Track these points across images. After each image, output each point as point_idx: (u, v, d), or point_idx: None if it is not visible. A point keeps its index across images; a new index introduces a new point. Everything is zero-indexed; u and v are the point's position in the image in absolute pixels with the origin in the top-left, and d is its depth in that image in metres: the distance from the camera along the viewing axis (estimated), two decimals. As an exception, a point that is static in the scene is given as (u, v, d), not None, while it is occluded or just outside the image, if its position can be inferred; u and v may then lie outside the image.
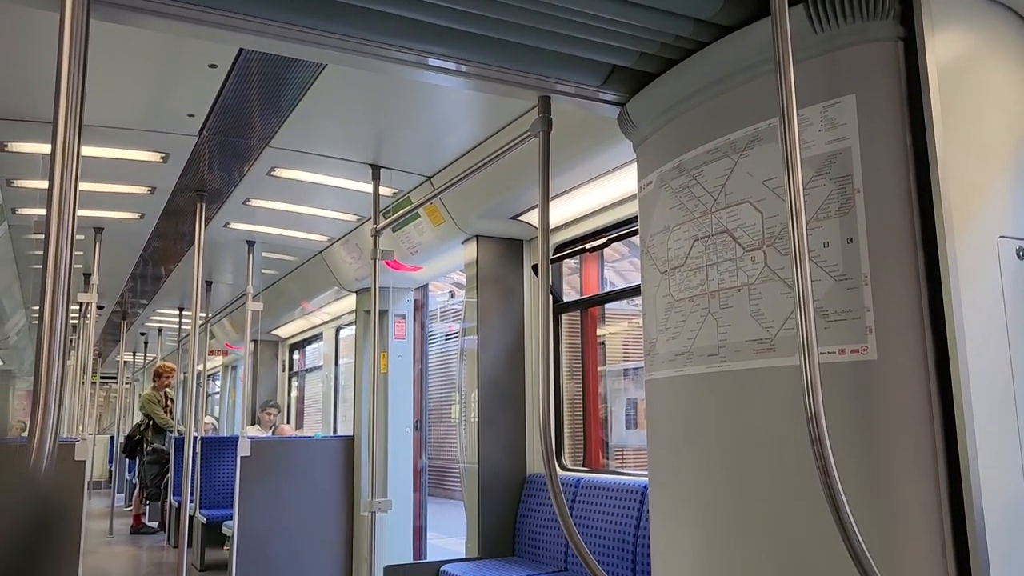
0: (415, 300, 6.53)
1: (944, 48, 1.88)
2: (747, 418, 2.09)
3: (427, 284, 6.37)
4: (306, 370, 10.12)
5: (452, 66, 2.42)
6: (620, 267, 6.49)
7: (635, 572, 3.72)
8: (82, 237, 5.71)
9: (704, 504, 2.22)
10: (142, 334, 11.71)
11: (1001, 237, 1.89)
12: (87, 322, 6.31)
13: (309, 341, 9.69)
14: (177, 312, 9.30)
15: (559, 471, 4.50)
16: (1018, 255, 1.91)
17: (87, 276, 6.08)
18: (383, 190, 4.58)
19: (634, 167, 2.69)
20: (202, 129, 3.87)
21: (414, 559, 6.04)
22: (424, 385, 6.51)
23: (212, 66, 3.19)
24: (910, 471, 1.77)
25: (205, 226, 5.08)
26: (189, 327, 6.44)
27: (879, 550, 1.66)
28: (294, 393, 10.45)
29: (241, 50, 3.05)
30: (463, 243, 5.03)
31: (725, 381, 2.14)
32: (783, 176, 1.79)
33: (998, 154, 1.97)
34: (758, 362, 2.04)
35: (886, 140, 1.88)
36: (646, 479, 2.70)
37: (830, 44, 1.98)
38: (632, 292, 4.48)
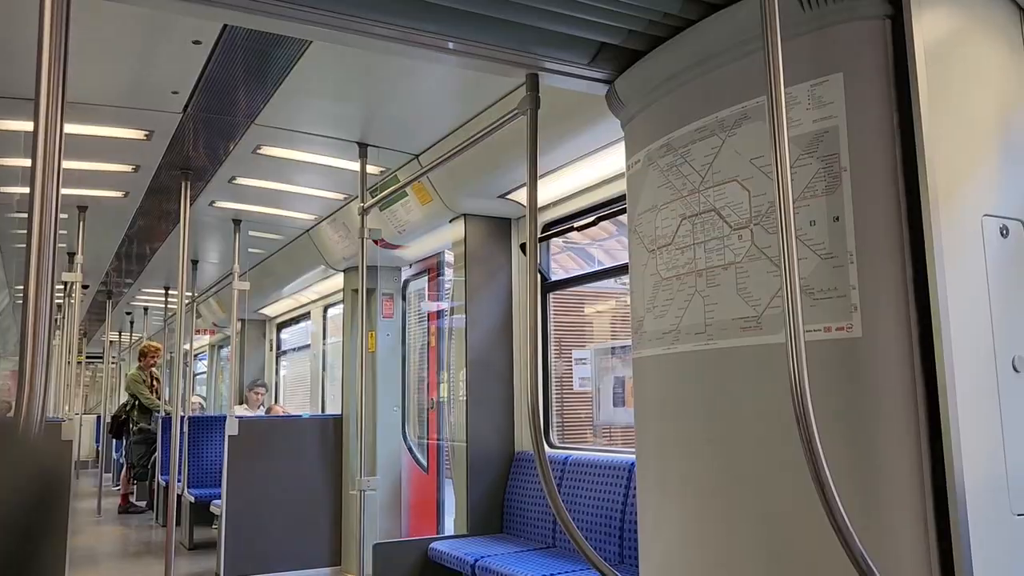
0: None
1: (931, 26, 1.88)
2: (734, 395, 2.11)
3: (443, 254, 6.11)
4: (294, 349, 10.11)
5: (439, 43, 2.40)
6: (608, 245, 6.50)
7: (622, 548, 3.76)
8: (66, 216, 5.65)
9: (691, 480, 2.24)
10: (127, 313, 11.64)
11: (985, 215, 1.91)
12: (72, 301, 6.27)
13: (297, 320, 9.67)
14: (163, 291, 9.25)
15: (547, 449, 4.53)
16: (1002, 233, 1.93)
17: (71, 255, 6.03)
18: (370, 168, 4.56)
19: (622, 145, 2.68)
20: (186, 106, 3.83)
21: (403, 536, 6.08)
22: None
23: (196, 42, 3.16)
24: (894, 447, 1.79)
25: (190, 204, 5.04)
26: (175, 306, 6.41)
27: (863, 525, 1.69)
28: (282, 372, 10.45)
29: (226, 26, 3.02)
30: (451, 222, 5.02)
31: (712, 359, 2.16)
32: (770, 155, 1.80)
33: (983, 133, 1.98)
34: (745, 340, 2.06)
35: (872, 119, 1.89)
36: (633, 456, 2.73)
37: (818, 22, 1.98)
38: (620, 271, 4.49)
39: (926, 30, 1.86)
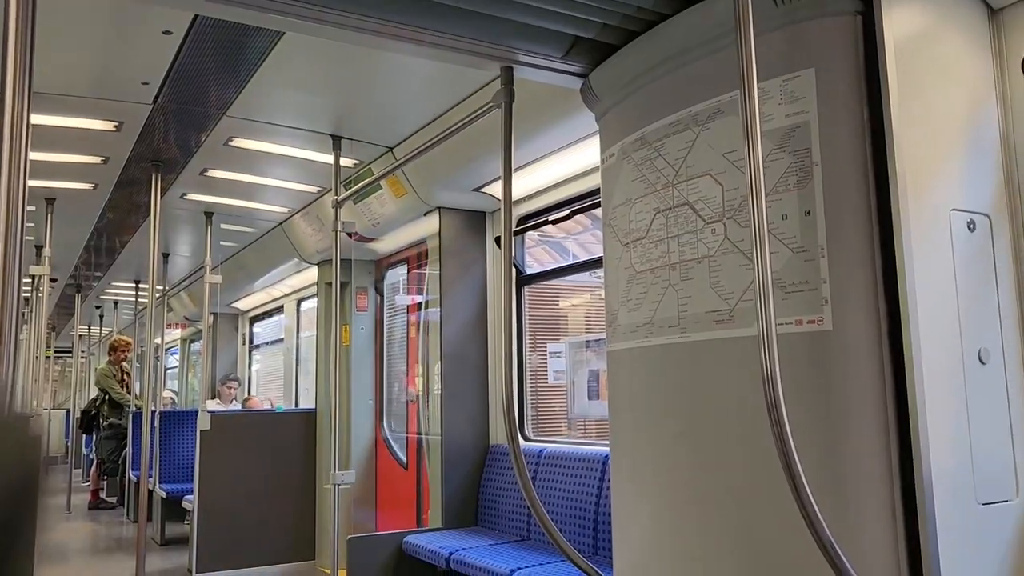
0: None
1: (900, 23, 1.90)
2: (707, 387, 2.13)
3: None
4: (267, 343, 10.03)
5: (413, 36, 2.38)
6: (583, 239, 6.51)
7: (596, 540, 3.78)
8: (33, 208, 5.56)
9: (664, 472, 2.26)
10: (97, 307, 11.48)
11: (953, 210, 1.94)
12: (40, 295, 6.17)
13: (270, 314, 9.60)
14: (133, 285, 9.13)
15: (521, 442, 4.54)
16: (969, 228, 1.96)
17: (39, 248, 5.94)
18: (344, 161, 4.53)
19: (597, 139, 2.69)
20: (156, 97, 3.78)
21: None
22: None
23: (167, 32, 3.11)
24: (863, 438, 1.82)
25: (161, 197, 4.97)
26: (146, 300, 6.33)
27: (833, 515, 1.71)
28: (255, 367, 10.36)
29: (196, 16, 2.98)
30: (425, 215, 5.00)
31: (685, 352, 2.17)
32: (743, 149, 1.81)
33: (951, 129, 2.01)
34: (717, 333, 2.07)
35: (843, 114, 1.91)
36: (607, 449, 2.75)
37: (790, 17, 1.99)
38: (594, 264, 4.50)
39: (896, 26, 1.88)
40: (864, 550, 1.77)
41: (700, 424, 2.14)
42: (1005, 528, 1.91)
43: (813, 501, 1.67)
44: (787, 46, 2.00)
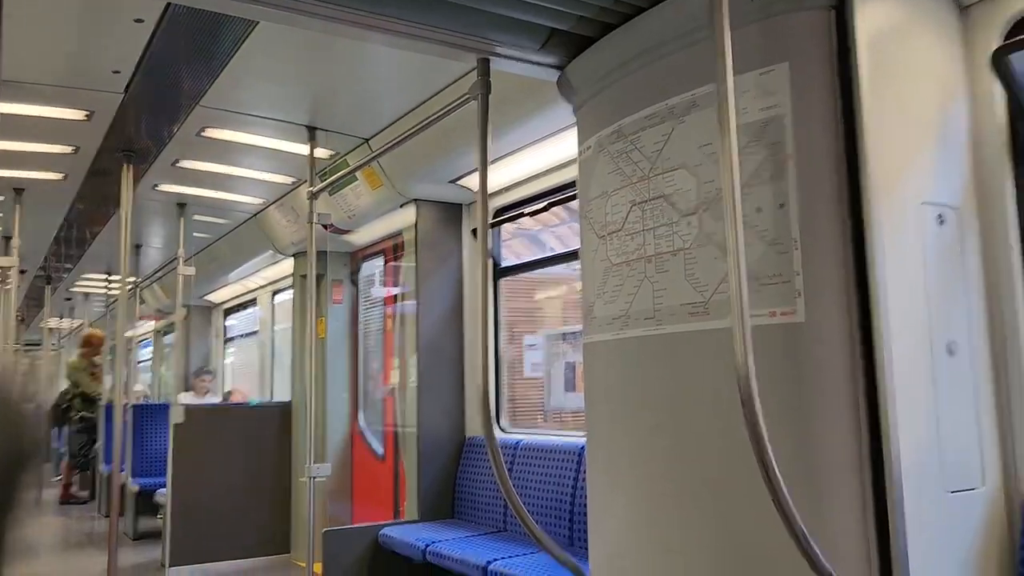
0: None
1: (873, 18, 1.92)
2: (682, 379, 2.15)
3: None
4: (241, 335, 9.95)
5: (389, 26, 2.37)
6: (560, 232, 6.53)
7: (572, 531, 3.80)
8: (2, 198, 5.48)
9: (640, 463, 2.28)
10: (67, 299, 11.31)
11: (923, 203, 1.97)
12: (8, 287, 6.07)
13: (244, 306, 9.52)
14: (105, 276, 9.01)
15: (498, 433, 4.55)
16: (939, 221, 1.99)
17: (7, 239, 5.84)
18: (319, 152, 4.50)
19: (574, 131, 2.69)
20: (128, 86, 3.72)
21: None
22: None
23: (138, 20, 3.07)
24: (834, 428, 1.84)
25: (133, 187, 4.91)
26: (117, 292, 6.26)
27: (805, 504, 1.73)
28: (229, 359, 10.28)
29: (168, 4, 2.94)
30: (402, 206, 4.98)
31: (661, 344, 2.19)
32: (718, 142, 1.82)
33: (922, 123, 2.03)
34: (692, 325, 2.09)
35: (817, 108, 1.93)
36: (583, 440, 2.76)
37: (765, 11, 2.01)
38: (571, 257, 4.51)
39: (868, 21, 1.90)
40: (836, 539, 1.79)
41: (675, 416, 2.16)
42: (972, 516, 1.94)
43: (786, 491, 1.69)
44: (762, 40, 2.01)
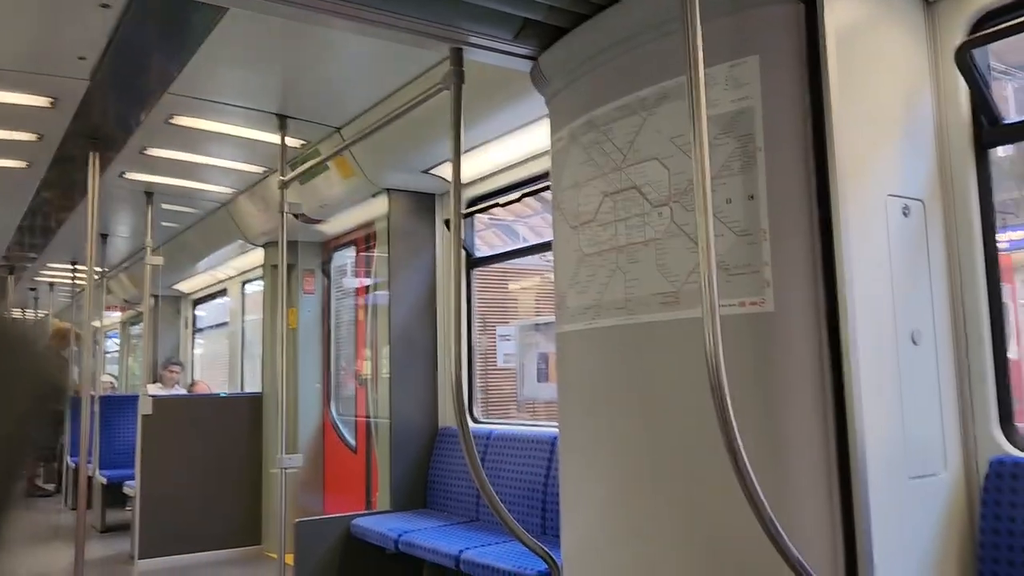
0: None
1: (842, 13, 1.95)
2: (653, 368, 2.17)
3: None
4: (211, 326, 9.85)
5: (361, 14, 2.36)
6: (533, 223, 6.54)
7: (544, 520, 3.83)
8: (-37, 186, 5.36)
9: (613, 451, 2.30)
10: (32, 289, 11.10)
11: (889, 195, 2.00)
12: (-30, 277, 5.95)
13: (214, 296, 9.41)
14: (70, 266, 8.86)
15: (471, 424, 4.56)
16: (904, 213, 2.03)
17: (-31, 228, 5.73)
18: (290, 141, 4.45)
19: (547, 122, 2.70)
20: (94, 73, 3.66)
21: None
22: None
23: (104, 5, 3.01)
24: (802, 416, 1.88)
25: (99, 175, 4.83)
26: (83, 282, 6.16)
27: (773, 490, 1.76)
28: (198, 350, 10.17)
29: (136, -11, 2.89)
30: (374, 196, 4.95)
31: (632, 333, 2.21)
32: (689, 134, 1.84)
33: (888, 116, 2.07)
34: (663, 314, 2.11)
35: (786, 101, 1.95)
36: (556, 430, 2.78)
37: (736, 4, 2.03)
38: (544, 247, 4.52)
39: (837, 16, 1.93)
40: (802, 524, 1.83)
41: (646, 404, 2.18)
42: (933, 501, 1.99)
43: (754, 477, 1.72)
44: (733, 33, 2.03)
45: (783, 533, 1.72)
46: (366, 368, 5.92)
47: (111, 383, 11.16)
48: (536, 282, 6.35)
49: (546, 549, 2.80)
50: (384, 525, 4.25)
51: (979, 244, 2.11)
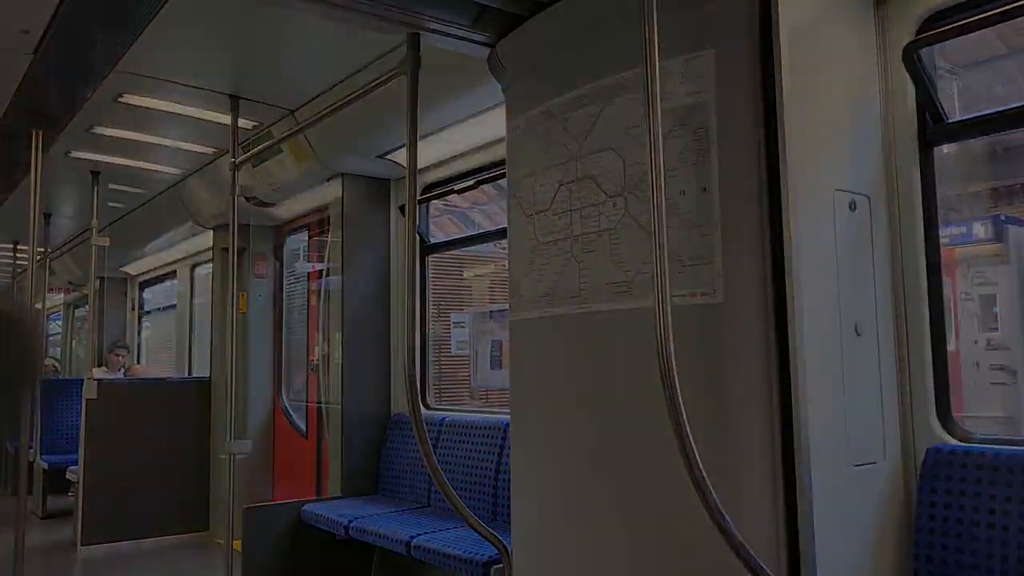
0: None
1: (795, 9, 1.98)
2: (604, 356, 2.19)
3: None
4: (158, 309, 9.65)
5: (318, -5, 2.32)
6: (489, 210, 6.53)
7: (496, 505, 3.85)
8: None
9: (563, 437, 2.32)
10: (-31, 270, 10.76)
11: (837, 190, 2.05)
12: (-96, 256, 5.74)
13: (162, 279, 9.22)
14: (11, 246, 8.59)
15: (423, 410, 4.56)
16: (851, 207, 2.08)
17: (-98, 205, 5.51)
18: (242, 122, 4.37)
19: (504, 109, 2.69)
20: (37, 48, 3.54)
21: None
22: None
23: (49, -23, 2.92)
24: (748, 404, 1.92)
25: (43, 154, 4.68)
26: (25, 263, 5.98)
27: (719, 478, 1.80)
28: (144, 333, 9.96)
29: (82, -39, 2.80)
30: (328, 180, 4.90)
31: (585, 322, 2.23)
32: (645, 125, 1.85)
33: (838, 112, 2.11)
34: (616, 304, 2.13)
35: (740, 95, 1.98)
36: (508, 417, 2.79)
37: (693, -3, 2.04)
38: (499, 235, 4.52)
39: (791, 13, 1.96)
40: (747, 510, 1.87)
41: (596, 392, 2.20)
42: (873, 488, 2.06)
43: (701, 465, 1.75)
44: (690, 26, 2.05)
45: (728, 518, 1.76)
46: (317, 354, 5.86)
47: (54, 366, 10.88)
48: (491, 270, 6.36)
49: (497, 535, 2.82)
50: (335, 511, 4.23)
51: (921, 239, 2.17)
